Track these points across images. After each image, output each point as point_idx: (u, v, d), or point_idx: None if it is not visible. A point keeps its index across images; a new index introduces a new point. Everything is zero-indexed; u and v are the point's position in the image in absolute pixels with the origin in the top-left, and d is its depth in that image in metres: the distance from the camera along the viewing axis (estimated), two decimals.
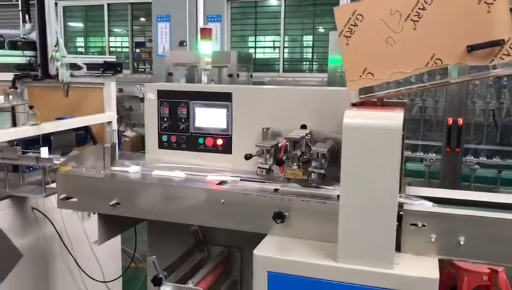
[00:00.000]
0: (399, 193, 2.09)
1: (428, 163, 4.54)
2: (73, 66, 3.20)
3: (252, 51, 9.83)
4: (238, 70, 7.31)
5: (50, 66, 2.85)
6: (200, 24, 8.87)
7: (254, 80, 8.30)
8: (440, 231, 1.86)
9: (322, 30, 9.37)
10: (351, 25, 1.87)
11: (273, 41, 9.87)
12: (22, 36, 2.97)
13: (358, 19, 1.86)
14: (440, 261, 1.85)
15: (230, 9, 9.65)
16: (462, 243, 1.83)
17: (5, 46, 3.03)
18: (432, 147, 4.61)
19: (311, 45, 9.79)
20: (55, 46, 2.88)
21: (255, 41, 9.95)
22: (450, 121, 4.11)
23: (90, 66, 3.40)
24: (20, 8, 3.02)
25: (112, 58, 3.68)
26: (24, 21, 2.99)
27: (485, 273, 3.24)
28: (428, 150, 4.63)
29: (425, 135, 4.70)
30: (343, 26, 1.88)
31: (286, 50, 9.79)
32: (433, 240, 1.86)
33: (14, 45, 3.02)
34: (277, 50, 9.75)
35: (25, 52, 2.91)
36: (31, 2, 2.93)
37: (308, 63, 10.02)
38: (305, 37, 9.93)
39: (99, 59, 3.53)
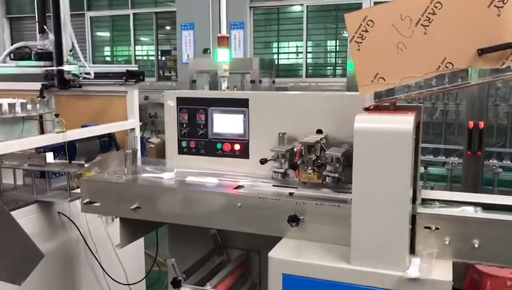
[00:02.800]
0: (413, 196, 2.12)
1: (450, 167, 4.48)
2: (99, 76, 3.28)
3: (275, 57, 9.88)
4: (261, 77, 7.36)
5: (65, 70, 2.92)
6: (223, 31, 8.97)
7: (277, 85, 8.34)
8: (454, 234, 1.86)
9: (346, 35, 9.36)
10: (362, 30, 1.90)
11: (296, 46, 9.90)
12: (38, 47, 3.07)
13: (369, 25, 1.89)
14: (462, 266, 1.85)
15: (253, 16, 9.73)
16: (476, 245, 1.83)
17: (32, 57, 3.14)
18: (454, 151, 4.56)
19: (334, 50, 9.79)
20: (70, 50, 2.95)
21: (278, 47, 10.00)
22: (471, 124, 4.06)
23: (114, 75, 3.50)
24: (37, 20, 3.11)
25: (135, 67, 3.77)
26: (40, 32, 3.08)
27: (509, 278, 3.20)
28: (451, 154, 4.58)
29: (448, 139, 4.65)
30: (354, 32, 1.91)
31: (309, 55, 9.81)
32: (447, 243, 1.87)
33: (40, 56, 3.14)
34: (300, 55, 9.78)
35: (45, 62, 3.00)
36: (47, 14, 3.01)
37: (331, 67, 10.01)
38: (328, 42, 9.93)
39: (122, 68, 3.63)
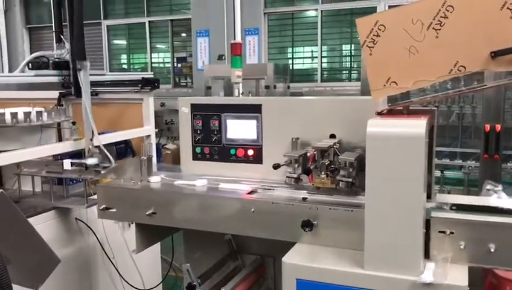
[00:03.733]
0: (428, 200, 2.10)
1: (467, 171, 4.44)
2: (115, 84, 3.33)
3: (290, 62, 9.89)
4: (275, 82, 7.38)
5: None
6: (238, 38, 9.02)
7: (292, 90, 8.34)
8: (469, 238, 1.85)
9: None
10: (374, 35, 1.90)
11: (311, 51, 9.90)
12: (56, 57, 3.12)
13: (380, 30, 1.89)
14: (480, 271, 1.83)
15: (268, 21, 9.76)
16: (492, 250, 1.81)
17: (49, 67, 3.20)
18: (470, 155, 4.51)
19: (349, 54, 9.77)
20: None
21: (293, 52, 10.01)
22: (488, 127, 4.01)
23: (130, 82, 3.55)
24: (53, 30, 3.17)
25: (150, 75, 3.82)
26: (57, 42, 3.14)
27: None
28: (467, 158, 4.54)
29: (465, 142, 4.61)
30: (365, 37, 1.92)
31: (324, 60, 9.81)
32: (462, 247, 1.85)
33: (57, 65, 3.19)
34: (315, 60, 9.78)
35: (62, 71, 3.05)
36: (64, 24, 3.07)
37: (346, 72, 9.99)
38: (343, 46, 9.92)
39: (137, 75, 3.68)
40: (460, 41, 1.80)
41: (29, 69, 3.10)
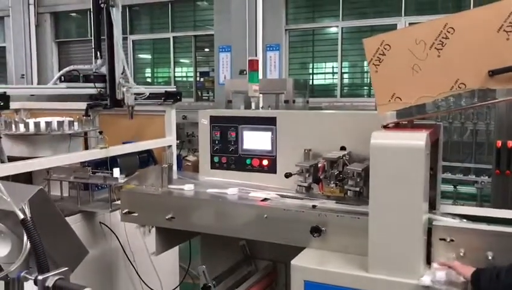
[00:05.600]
0: (433, 209, 2.21)
1: (480, 186, 4.50)
2: (139, 95, 3.53)
3: (310, 77, 10.04)
4: (295, 97, 7.52)
5: (117, 92, 3.18)
6: (259, 54, 9.24)
7: (311, 105, 8.47)
8: (468, 246, 1.95)
9: None
10: (380, 54, 2.04)
11: (332, 67, 10.03)
12: (94, 70, 3.34)
13: (386, 49, 2.03)
14: None
15: (289, 38, 9.95)
16: (490, 257, 1.91)
17: (80, 80, 3.42)
18: (484, 170, 4.57)
19: (368, 70, 9.85)
20: (122, 73, 3.21)
21: (313, 68, 10.16)
22: (499, 143, 4.08)
23: (153, 95, 3.74)
24: (92, 46, 3.42)
25: (173, 88, 4.02)
26: (96, 57, 3.37)
27: None
28: (481, 173, 4.59)
29: (480, 159, 4.67)
30: (372, 55, 2.06)
31: (345, 76, 9.92)
32: (462, 254, 1.95)
33: (87, 78, 3.41)
34: (335, 76, 9.90)
35: (96, 84, 3.28)
36: (102, 37, 3.31)
37: (366, 88, 10.08)
38: (364, 63, 10.02)
39: (161, 89, 3.87)
40: (460, 60, 1.93)
41: (61, 81, 3.32)
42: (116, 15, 3.17)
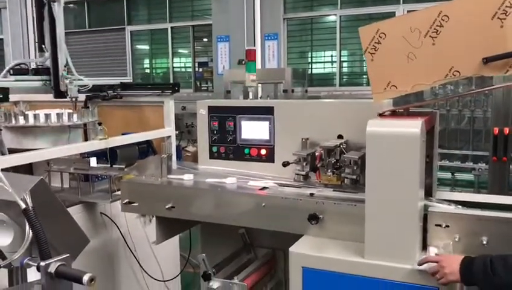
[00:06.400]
0: (429, 196, 2.25)
1: (477, 173, 4.53)
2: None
3: (309, 66, 10.03)
4: (293, 86, 7.51)
5: (60, 84, 3.23)
6: (258, 43, 9.23)
7: (310, 94, 8.47)
8: (463, 231, 1.98)
9: None
10: (375, 42, 2.06)
11: (331, 56, 10.02)
12: (38, 63, 3.41)
13: (381, 37, 2.05)
14: None
15: (287, 26, 9.92)
16: (485, 243, 1.95)
17: (29, 73, 3.45)
18: (481, 157, 4.60)
19: None
20: (65, 66, 3.26)
21: (311, 56, 10.15)
22: (496, 130, 4.11)
23: (152, 86, 3.76)
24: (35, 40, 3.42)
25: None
26: (40, 50, 3.44)
27: None
28: (478, 161, 4.63)
29: (477, 146, 4.70)
30: (367, 44, 2.08)
31: (343, 64, 9.91)
32: (456, 239, 1.99)
33: (36, 72, 3.42)
34: (334, 65, 9.90)
35: (43, 76, 3.33)
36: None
37: (366, 76, 10.08)
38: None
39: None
40: (455, 48, 1.94)
41: (10, 75, 3.37)
42: (58, 11, 3.21)
